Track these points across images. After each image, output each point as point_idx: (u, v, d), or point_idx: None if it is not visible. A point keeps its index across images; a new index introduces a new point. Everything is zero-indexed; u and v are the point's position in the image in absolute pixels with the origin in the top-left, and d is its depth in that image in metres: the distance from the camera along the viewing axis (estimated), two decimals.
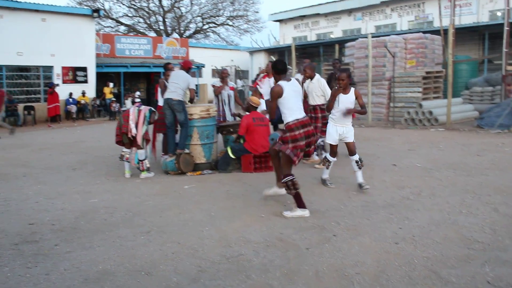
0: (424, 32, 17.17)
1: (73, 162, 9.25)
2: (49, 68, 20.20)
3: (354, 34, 27.95)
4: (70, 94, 20.17)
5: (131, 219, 5.25)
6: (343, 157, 7.60)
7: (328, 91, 7.90)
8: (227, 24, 41.53)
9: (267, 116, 7.87)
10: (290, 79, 5.31)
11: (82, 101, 20.70)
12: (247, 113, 8.02)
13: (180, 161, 7.63)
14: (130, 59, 24.83)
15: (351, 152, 6.26)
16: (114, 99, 22.12)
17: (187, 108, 7.92)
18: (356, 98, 6.23)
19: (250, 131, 7.60)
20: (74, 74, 20.93)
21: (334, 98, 6.25)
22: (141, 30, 39.35)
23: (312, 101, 8.09)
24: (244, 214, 5.25)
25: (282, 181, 5.17)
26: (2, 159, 9.92)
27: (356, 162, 6.16)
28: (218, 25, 41.58)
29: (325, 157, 6.56)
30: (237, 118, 8.97)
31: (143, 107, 7.74)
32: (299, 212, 5.11)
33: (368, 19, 29.93)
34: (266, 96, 8.56)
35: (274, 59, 22.31)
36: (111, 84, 23.10)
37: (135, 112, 7.53)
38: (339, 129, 6.29)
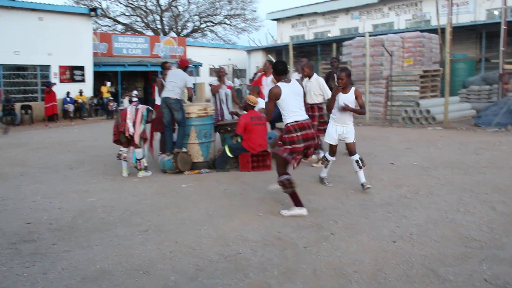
0: (422, 31, 17.17)
1: (70, 161, 9.23)
2: (46, 67, 20.15)
3: (352, 33, 27.95)
4: (68, 93, 20.13)
5: (128, 218, 5.25)
6: (341, 155, 7.60)
7: (327, 90, 7.90)
8: (225, 23, 41.53)
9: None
10: (291, 80, 5.23)
11: (80, 100, 20.65)
12: (245, 112, 8.02)
13: (178, 160, 7.62)
14: (128, 58, 24.76)
15: (351, 152, 6.22)
16: (111, 98, 22.08)
17: (184, 107, 7.92)
18: (356, 98, 6.17)
19: (248, 130, 7.61)
20: (72, 73, 20.88)
21: (334, 97, 6.24)
22: (139, 29, 39.28)
23: (310, 100, 8.09)
24: (241, 213, 5.25)
25: (278, 179, 5.15)
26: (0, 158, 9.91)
27: (356, 162, 6.13)
28: (216, 24, 41.57)
29: (324, 156, 6.55)
30: (235, 117, 8.96)
31: (140, 106, 7.74)
32: (297, 211, 5.11)
33: (365, 18, 29.95)
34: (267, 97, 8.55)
35: (271, 58, 22.30)
36: (109, 83, 23.05)
37: (133, 111, 7.52)
38: (339, 129, 6.26)
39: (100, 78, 22.90)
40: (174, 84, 7.83)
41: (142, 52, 25.81)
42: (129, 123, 7.44)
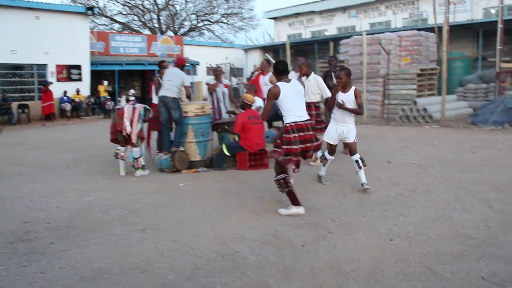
0: (419, 30, 17.16)
1: (67, 160, 9.22)
2: (43, 66, 20.10)
3: (349, 31, 27.92)
4: (65, 92, 20.09)
5: (126, 217, 5.24)
6: (338, 154, 7.60)
7: (326, 89, 7.89)
8: (222, 22, 41.47)
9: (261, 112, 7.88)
10: (291, 80, 5.19)
11: (77, 99, 20.61)
12: (242, 110, 8.01)
13: (175, 159, 7.62)
14: (125, 57, 24.73)
15: (352, 152, 6.18)
16: (108, 97, 22.05)
17: (182, 105, 7.91)
18: (355, 97, 6.11)
19: (246, 129, 7.60)
20: (69, 72, 20.83)
21: (334, 97, 6.23)
22: (136, 28, 39.21)
23: (307, 99, 8.04)
24: (239, 212, 5.25)
25: (275, 178, 5.15)
26: None
27: (356, 161, 6.08)
28: (213, 22, 41.51)
29: (323, 155, 6.55)
30: (232, 116, 8.96)
31: (137, 105, 7.73)
32: (294, 210, 5.11)
33: (362, 16, 29.94)
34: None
35: (268, 56, 22.29)
36: (106, 82, 23.01)
37: (130, 110, 7.51)
38: (339, 129, 6.22)
39: (97, 77, 22.86)
40: (171, 83, 7.83)
41: (139, 51, 25.78)
42: (127, 122, 7.43)
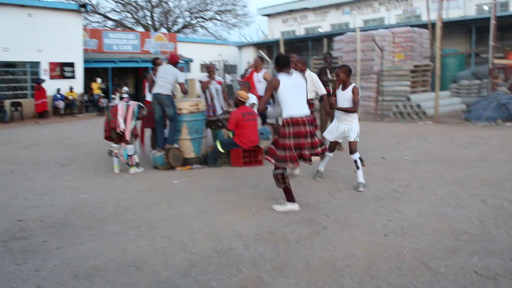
0: (412, 26, 17.24)
1: (61, 158, 9.18)
2: (36, 64, 19.94)
3: (343, 28, 27.97)
4: (58, 90, 19.96)
5: (120, 214, 5.23)
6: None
7: (321, 86, 7.88)
8: (215, 19, 41.39)
9: (255, 109, 7.87)
10: (292, 74, 5.16)
11: (70, 97, 20.49)
12: (235, 107, 8.00)
13: (170, 156, 7.61)
14: (118, 54, 24.62)
15: (351, 151, 6.13)
16: (102, 94, 21.95)
17: (176, 103, 7.89)
18: (353, 94, 6.04)
19: (240, 126, 7.59)
20: (62, 69, 20.71)
21: (334, 95, 6.21)
22: (129, 25, 39.04)
23: None
24: (234, 208, 5.26)
25: (273, 173, 5.15)
26: None
27: (355, 161, 6.04)
28: (206, 19, 41.42)
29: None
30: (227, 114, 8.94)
31: (131, 102, 7.70)
32: (289, 206, 5.11)
33: (356, 13, 30.01)
34: (261, 92, 8.51)
35: (262, 53, 22.28)
36: (99, 80, 22.90)
37: (124, 108, 7.49)
38: (341, 127, 6.18)
39: (90, 74, 22.73)
40: (165, 80, 7.81)
41: (133, 48, 25.68)
42: (120, 120, 7.40)
